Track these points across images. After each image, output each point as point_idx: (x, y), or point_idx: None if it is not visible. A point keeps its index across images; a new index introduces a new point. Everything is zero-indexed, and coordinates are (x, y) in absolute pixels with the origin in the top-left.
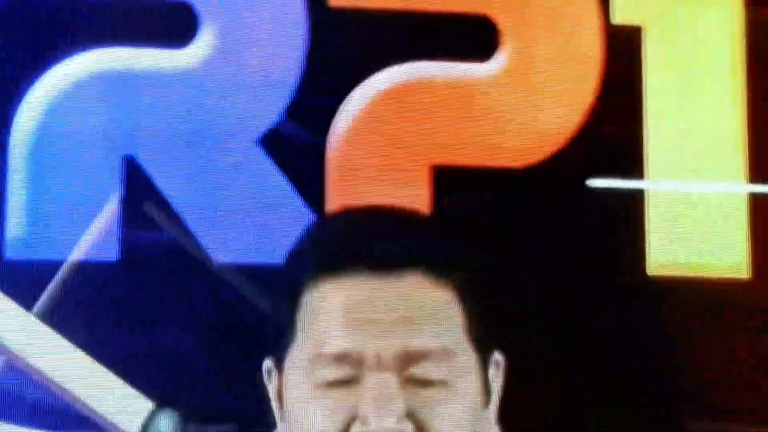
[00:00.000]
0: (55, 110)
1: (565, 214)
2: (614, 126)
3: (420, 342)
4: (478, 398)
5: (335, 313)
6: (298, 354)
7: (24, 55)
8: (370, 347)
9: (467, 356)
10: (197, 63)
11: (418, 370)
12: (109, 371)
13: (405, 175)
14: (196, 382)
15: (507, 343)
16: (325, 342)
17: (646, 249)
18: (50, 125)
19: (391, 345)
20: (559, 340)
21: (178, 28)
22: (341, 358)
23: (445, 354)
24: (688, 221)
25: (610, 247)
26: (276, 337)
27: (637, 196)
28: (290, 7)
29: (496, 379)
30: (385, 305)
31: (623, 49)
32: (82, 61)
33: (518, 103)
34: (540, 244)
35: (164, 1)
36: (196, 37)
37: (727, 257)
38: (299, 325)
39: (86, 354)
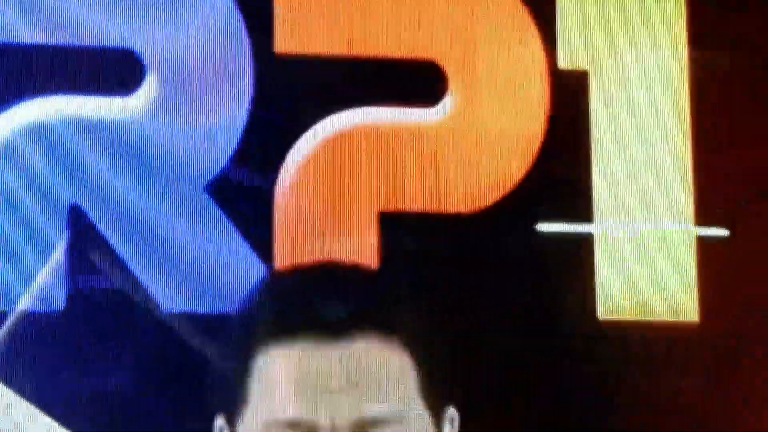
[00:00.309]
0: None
1: (514, 259)
2: (562, 170)
3: (373, 408)
4: None
5: (287, 380)
6: (251, 418)
7: None
8: (323, 415)
9: (421, 418)
10: (142, 110)
11: None
12: (57, 423)
13: (353, 221)
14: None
15: (458, 396)
16: (278, 410)
17: (597, 293)
18: None
19: (345, 412)
20: (510, 389)
21: (123, 76)
22: (295, 426)
23: (399, 418)
24: (636, 264)
25: (560, 292)
26: (227, 396)
27: (587, 240)
28: (235, 53)
29: None
30: (336, 371)
31: (569, 93)
32: (25, 109)
33: (465, 148)
34: (489, 289)
35: (109, 49)
36: (141, 84)
37: (676, 300)
38: (252, 389)
39: (33, 405)
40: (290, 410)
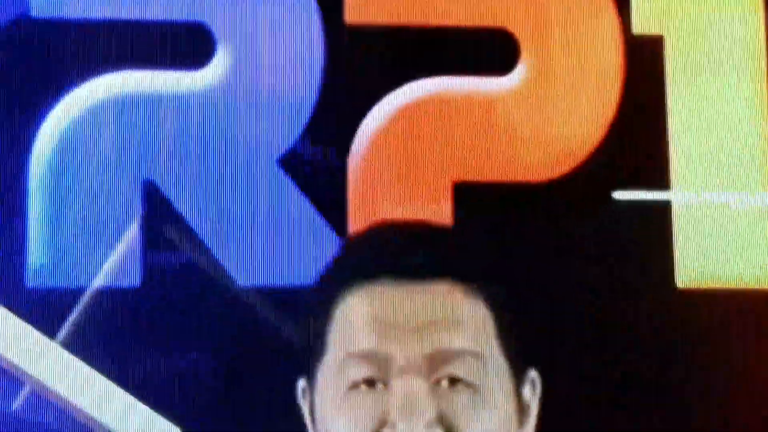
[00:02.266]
0: (72, 136)
1: (591, 227)
2: (638, 137)
3: (449, 343)
4: (510, 408)
5: (365, 316)
6: (329, 360)
7: (39, 81)
8: (398, 349)
9: (498, 362)
10: (214, 84)
11: (447, 373)
12: (134, 398)
13: (427, 192)
14: (222, 406)
15: (538, 360)
16: (354, 343)
17: (674, 261)
18: (68, 151)
19: (420, 347)
20: (589, 356)
21: (194, 50)
22: (369, 358)
23: (475, 357)
24: (715, 232)
25: (637, 260)
26: (308, 355)
27: (664, 208)
28: (306, 25)
29: (533, 398)
30: (414, 309)
31: (644, 59)
32: (97, 85)
33: (539, 117)
34: (566, 258)
35: (179, 23)
36: (213, 58)
37: (755, 267)
38: (331, 335)
39: (111, 381)
40: (366, 343)
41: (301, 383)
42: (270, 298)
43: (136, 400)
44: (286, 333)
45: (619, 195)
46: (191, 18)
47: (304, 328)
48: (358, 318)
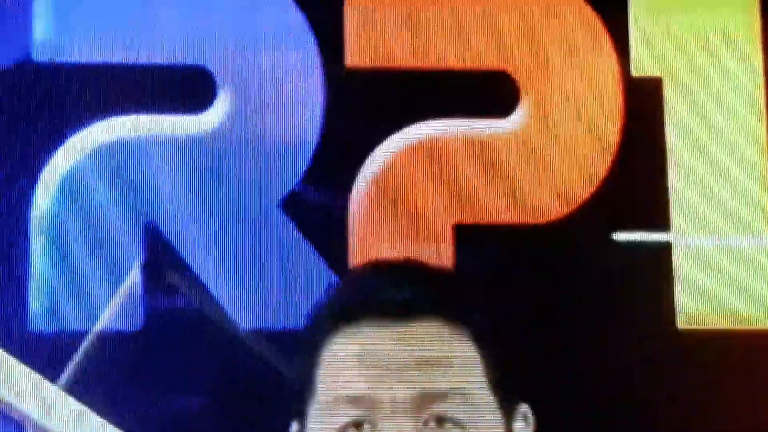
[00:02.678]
0: (73, 180)
1: (591, 268)
2: (638, 178)
3: (436, 383)
4: None
5: (351, 359)
6: (318, 402)
7: (41, 126)
8: (385, 390)
9: (487, 401)
10: (215, 127)
11: (435, 413)
12: None
13: (428, 233)
14: None
15: (533, 402)
16: (341, 387)
17: (676, 302)
18: (70, 195)
19: (407, 387)
20: (590, 400)
21: (196, 93)
22: (357, 401)
23: (463, 396)
24: (716, 273)
25: (638, 301)
26: (299, 398)
27: (664, 249)
28: (307, 68)
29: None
30: (399, 350)
31: (644, 101)
32: (99, 129)
33: (540, 158)
34: (566, 299)
35: (181, 67)
36: (214, 101)
37: (756, 308)
38: (320, 378)
39: (112, 424)
40: (352, 387)
41: (294, 426)
42: (271, 341)
43: None
44: (287, 375)
45: (620, 236)
46: (192, 62)
47: (294, 370)
48: (344, 361)
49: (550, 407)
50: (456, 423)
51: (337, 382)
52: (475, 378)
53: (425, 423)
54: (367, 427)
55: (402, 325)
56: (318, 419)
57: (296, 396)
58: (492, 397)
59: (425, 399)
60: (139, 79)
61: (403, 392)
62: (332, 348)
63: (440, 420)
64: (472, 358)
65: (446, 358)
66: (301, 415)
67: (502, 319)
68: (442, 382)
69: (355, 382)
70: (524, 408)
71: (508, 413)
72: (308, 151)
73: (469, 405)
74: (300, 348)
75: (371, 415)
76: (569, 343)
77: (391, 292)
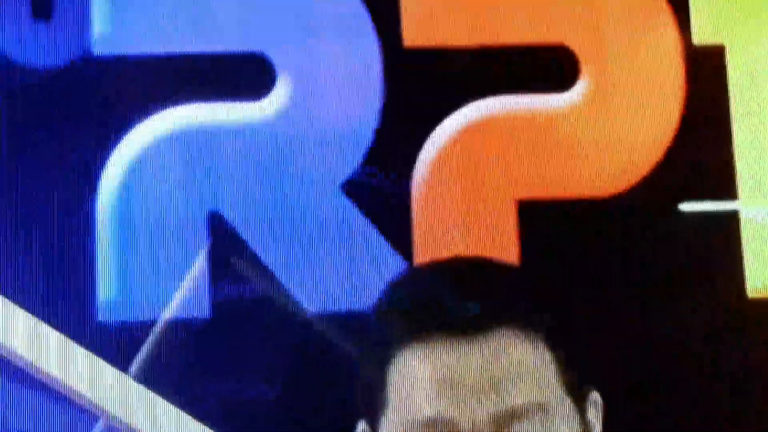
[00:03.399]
0: (137, 171)
1: (659, 240)
2: (702, 148)
3: (513, 401)
4: None
5: (425, 378)
6: (392, 419)
7: (103, 118)
8: (463, 412)
9: (564, 409)
10: (275, 114)
11: (514, 430)
12: (206, 428)
13: (491, 211)
14: None
15: (606, 378)
16: (417, 408)
17: (745, 271)
18: (134, 186)
19: (484, 408)
20: (662, 371)
21: (255, 80)
22: (434, 425)
23: (541, 410)
24: None
25: (707, 272)
26: (367, 400)
27: (731, 218)
28: (365, 50)
29: (596, 420)
30: (474, 367)
31: (706, 70)
32: (161, 120)
33: (602, 131)
34: (634, 273)
35: (239, 54)
36: (273, 88)
37: None
38: (391, 389)
39: (184, 413)
40: (428, 410)
41: (362, 426)
42: (339, 325)
43: (209, 430)
44: (353, 360)
45: (686, 207)
46: (250, 49)
47: (361, 369)
48: (416, 380)
49: (619, 385)
50: None
51: (411, 402)
52: (552, 386)
53: None
54: None
55: (474, 338)
56: None
57: (365, 401)
58: (567, 399)
59: (504, 416)
60: (198, 68)
61: (483, 413)
62: (402, 363)
63: None
64: (547, 365)
65: (522, 371)
66: (370, 419)
67: (571, 306)
68: (520, 398)
69: (431, 405)
70: (594, 395)
71: (582, 406)
72: (368, 134)
73: (548, 417)
74: (367, 352)
75: None
76: (638, 318)
77: (461, 304)
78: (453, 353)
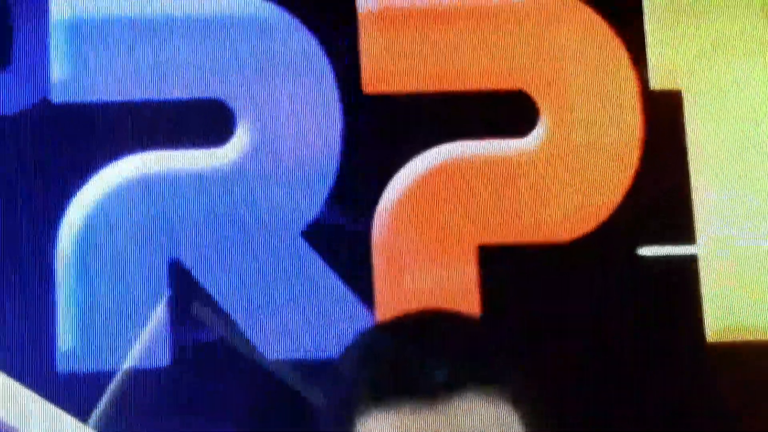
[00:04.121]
0: (96, 218)
1: (617, 285)
2: (661, 192)
3: None
4: None
5: None
6: None
7: (62, 165)
8: None
9: None
10: (236, 160)
11: None
12: None
13: (452, 256)
14: None
15: (571, 422)
16: None
17: (704, 315)
18: (93, 234)
19: None
20: (622, 414)
21: (214, 127)
22: None
23: None
24: (744, 282)
25: (666, 315)
26: None
27: (690, 261)
28: (324, 96)
29: None
30: None
31: (663, 114)
32: (120, 167)
33: (561, 176)
34: (594, 316)
35: (198, 101)
36: (233, 133)
37: None
38: None
39: None
40: None
41: None
42: (298, 371)
43: None
44: (316, 406)
45: (645, 251)
46: (210, 95)
47: (326, 417)
48: None
49: (582, 426)
50: None
51: None
52: None
53: None
54: None
55: (440, 403)
56: None
57: None
58: None
59: None
60: (157, 115)
61: None
62: (366, 426)
63: None
64: (510, 424)
65: None
66: None
67: (533, 358)
68: None
69: None
70: None
71: None
72: (329, 179)
73: None
74: (331, 410)
75: None
76: (597, 360)
77: (427, 369)
78: (420, 421)
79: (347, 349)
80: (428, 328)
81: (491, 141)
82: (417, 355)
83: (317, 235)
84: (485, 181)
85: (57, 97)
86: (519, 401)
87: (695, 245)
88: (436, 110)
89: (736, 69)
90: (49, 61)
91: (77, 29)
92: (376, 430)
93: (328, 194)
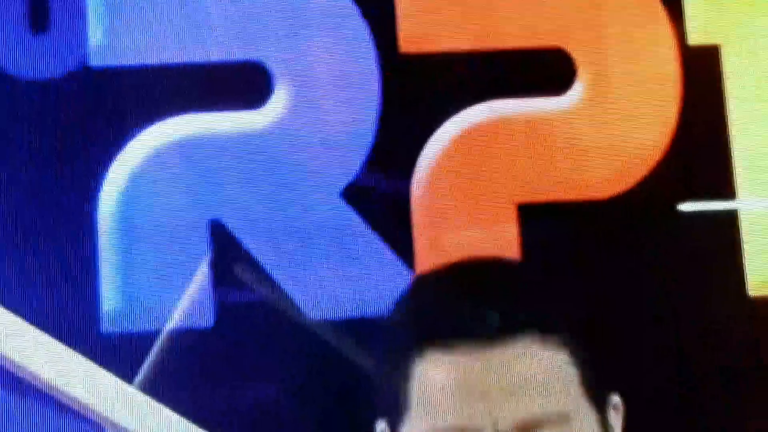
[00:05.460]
0: (138, 182)
1: (657, 241)
2: (700, 147)
3: (536, 410)
4: None
5: (445, 387)
6: (415, 424)
7: (102, 130)
8: (485, 420)
9: (585, 416)
10: (274, 122)
11: None
12: None
13: (491, 215)
14: None
15: (620, 383)
16: (441, 416)
17: (745, 269)
18: (135, 197)
19: (507, 416)
20: (666, 371)
21: (253, 89)
22: None
23: (564, 418)
24: None
25: (708, 271)
26: (388, 402)
27: (731, 217)
28: (361, 57)
29: (616, 422)
30: (497, 375)
31: (702, 69)
32: (160, 130)
33: (599, 133)
34: (635, 274)
35: (236, 63)
36: (271, 96)
37: None
38: (413, 395)
39: (190, 422)
40: (452, 418)
41: (381, 425)
42: (340, 331)
43: None
44: (359, 365)
45: (685, 207)
46: (247, 58)
47: (379, 370)
48: (439, 387)
49: (631, 389)
50: None
51: (435, 409)
52: (573, 392)
53: None
54: None
55: (496, 346)
56: None
57: (386, 402)
58: (588, 406)
59: (528, 426)
60: (195, 78)
61: (505, 421)
62: (424, 372)
63: None
64: (568, 372)
65: (544, 379)
66: (391, 420)
67: (580, 308)
68: (542, 407)
69: (455, 413)
70: (615, 399)
71: (601, 408)
72: (367, 140)
73: (569, 425)
74: (389, 356)
75: None
76: (640, 318)
77: (483, 311)
78: (476, 361)
79: (401, 298)
80: (483, 273)
81: (529, 99)
82: (474, 296)
83: (356, 195)
84: (523, 139)
85: (95, 61)
86: (574, 348)
87: (736, 200)
88: (473, 69)
89: None
90: (86, 26)
91: None
92: (435, 370)
93: (367, 155)
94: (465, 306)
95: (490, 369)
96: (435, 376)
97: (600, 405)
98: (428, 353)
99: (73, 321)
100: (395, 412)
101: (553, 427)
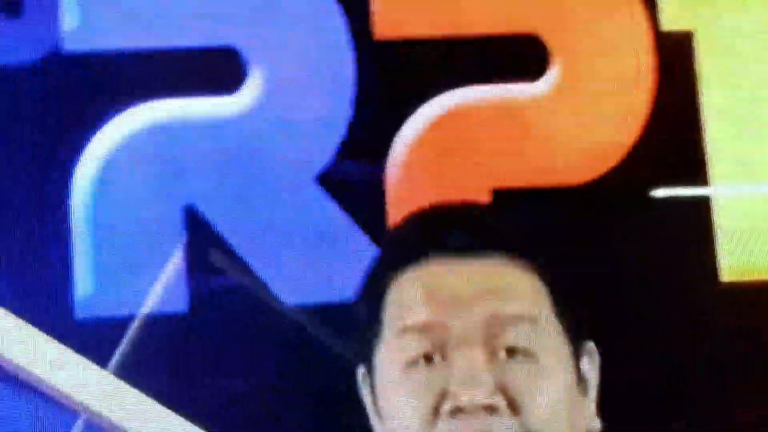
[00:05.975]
0: (112, 166)
1: (630, 227)
2: (673, 134)
3: (504, 308)
4: (569, 378)
5: (418, 292)
6: (385, 339)
7: (75, 115)
8: (454, 318)
9: (556, 331)
10: (248, 107)
11: (505, 342)
12: (187, 422)
13: (465, 200)
14: (275, 427)
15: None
16: (409, 317)
17: (717, 255)
18: (108, 181)
19: (476, 314)
20: (639, 356)
21: (227, 74)
22: (426, 331)
23: (532, 322)
24: (757, 223)
25: (680, 257)
26: (365, 342)
27: (703, 203)
28: (336, 43)
29: (591, 370)
30: (467, 281)
31: (675, 56)
32: (133, 115)
33: (573, 119)
34: (607, 261)
35: (210, 49)
36: (245, 81)
37: None
38: (386, 317)
39: (164, 407)
40: (420, 315)
41: (361, 369)
42: (314, 316)
43: (190, 424)
44: (333, 349)
45: (658, 193)
46: (221, 43)
47: (358, 316)
48: (411, 295)
49: (604, 371)
50: (527, 354)
51: (405, 314)
52: (543, 307)
53: (495, 352)
54: (437, 357)
55: (468, 260)
56: (387, 355)
57: (362, 340)
58: (560, 327)
59: (495, 325)
60: (169, 63)
61: (474, 317)
62: (398, 287)
63: (511, 350)
64: (538, 289)
65: (515, 287)
66: (367, 359)
67: (557, 257)
68: (511, 308)
69: (424, 311)
70: (590, 345)
71: (575, 348)
72: (342, 125)
73: (539, 333)
74: (363, 294)
75: (441, 345)
76: (613, 303)
77: (456, 230)
78: (448, 271)
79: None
80: (459, 205)
81: (503, 85)
82: (449, 219)
83: (331, 181)
84: (497, 125)
85: (68, 46)
86: (545, 275)
87: (708, 186)
88: (447, 55)
89: (747, 9)
90: (59, 11)
91: None
92: (406, 283)
93: (342, 140)
94: (438, 228)
95: (461, 275)
96: (407, 287)
97: (573, 341)
98: (403, 275)
99: (47, 306)
100: (370, 346)
101: (521, 328)
